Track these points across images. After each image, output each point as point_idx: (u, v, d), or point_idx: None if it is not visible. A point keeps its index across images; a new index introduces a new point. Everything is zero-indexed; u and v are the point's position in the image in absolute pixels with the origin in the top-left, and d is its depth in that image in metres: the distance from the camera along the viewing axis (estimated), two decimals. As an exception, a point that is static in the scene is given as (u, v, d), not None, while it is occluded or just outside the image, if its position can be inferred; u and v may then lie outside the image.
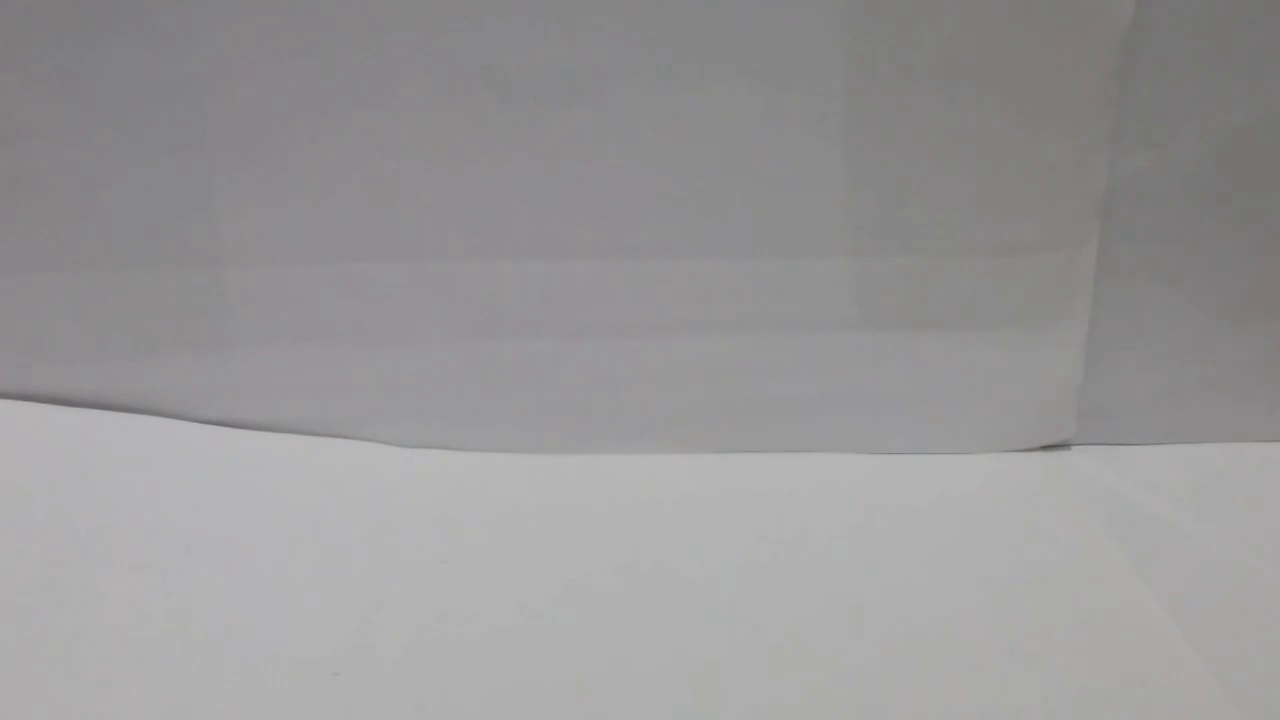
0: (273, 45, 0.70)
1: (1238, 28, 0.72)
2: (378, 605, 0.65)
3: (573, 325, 0.76)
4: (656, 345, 0.77)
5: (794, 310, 0.76)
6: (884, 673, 0.62)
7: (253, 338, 0.76)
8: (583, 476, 0.77)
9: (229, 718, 0.57)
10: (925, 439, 0.80)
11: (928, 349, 0.77)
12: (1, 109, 0.71)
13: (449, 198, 0.73)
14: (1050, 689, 0.61)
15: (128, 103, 0.71)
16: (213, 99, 0.71)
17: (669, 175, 0.73)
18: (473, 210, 0.74)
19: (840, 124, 0.72)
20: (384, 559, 0.69)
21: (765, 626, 0.64)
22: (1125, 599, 0.67)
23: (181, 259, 0.75)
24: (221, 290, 0.75)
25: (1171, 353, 0.79)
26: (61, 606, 0.63)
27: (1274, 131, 0.74)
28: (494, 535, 0.71)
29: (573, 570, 0.68)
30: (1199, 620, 0.65)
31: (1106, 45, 0.71)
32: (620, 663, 0.62)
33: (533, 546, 0.70)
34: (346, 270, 0.75)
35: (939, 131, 0.73)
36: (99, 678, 0.59)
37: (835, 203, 0.74)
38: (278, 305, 0.76)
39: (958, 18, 0.70)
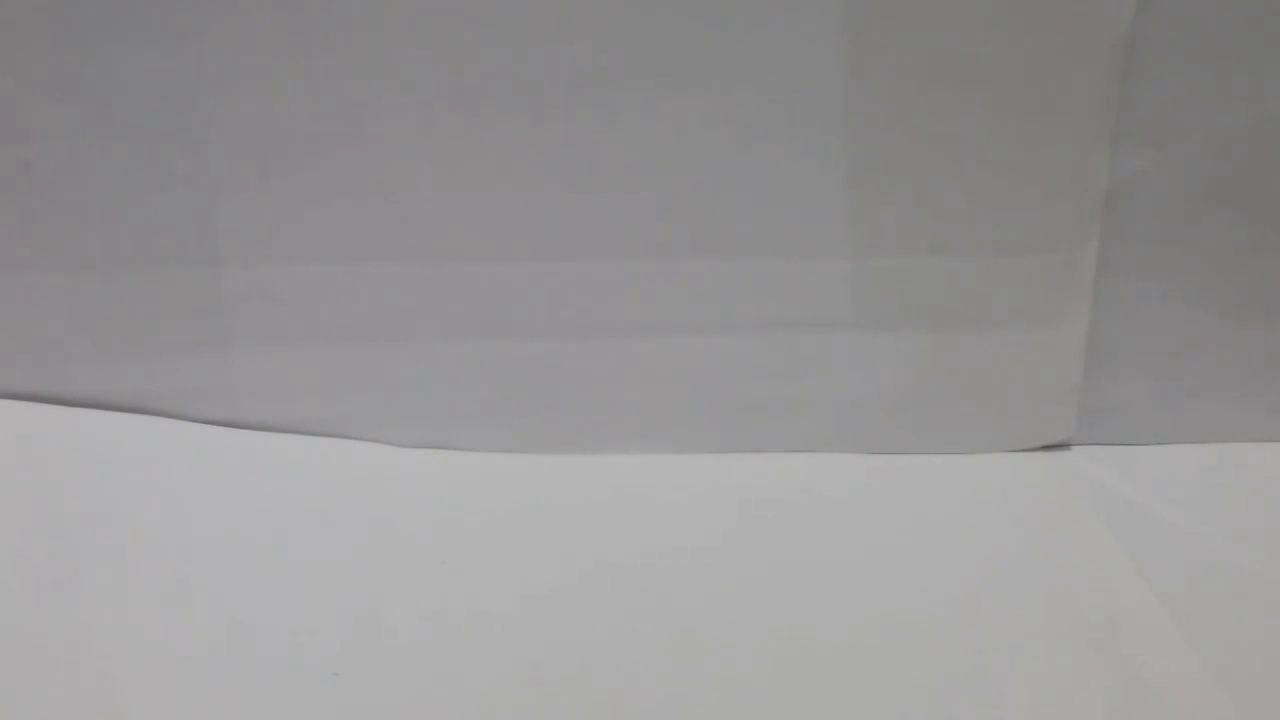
0: (273, 46, 0.70)
1: (1238, 28, 0.72)
2: (377, 605, 0.65)
3: (573, 325, 0.76)
4: (656, 345, 0.77)
5: (794, 310, 0.76)
6: (883, 671, 0.62)
7: (253, 338, 0.76)
8: (583, 476, 0.77)
9: (229, 718, 0.57)
10: (925, 439, 0.80)
11: (928, 349, 0.77)
12: (2, 110, 0.71)
13: (449, 198, 0.73)
14: (1050, 689, 0.61)
15: (128, 103, 0.71)
16: (213, 99, 0.71)
17: (669, 176, 0.73)
18: (473, 210, 0.74)
19: (840, 124, 0.72)
20: (384, 559, 0.69)
21: (765, 625, 0.64)
22: (1125, 599, 0.68)
23: (181, 259, 0.75)
24: (221, 290, 0.75)
25: (1171, 353, 0.79)
26: (61, 606, 0.63)
27: (1274, 132, 0.74)
28: (493, 535, 0.71)
29: (573, 570, 0.68)
30: (1199, 620, 0.65)
31: (1106, 45, 0.71)
32: (621, 663, 0.62)
33: (532, 546, 0.70)
34: (346, 270, 0.75)
35: (939, 131, 0.72)
36: (99, 678, 0.59)
37: (835, 203, 0.74)
38: (278, 305, 0.76)
39: (957, 18, 0.70)
